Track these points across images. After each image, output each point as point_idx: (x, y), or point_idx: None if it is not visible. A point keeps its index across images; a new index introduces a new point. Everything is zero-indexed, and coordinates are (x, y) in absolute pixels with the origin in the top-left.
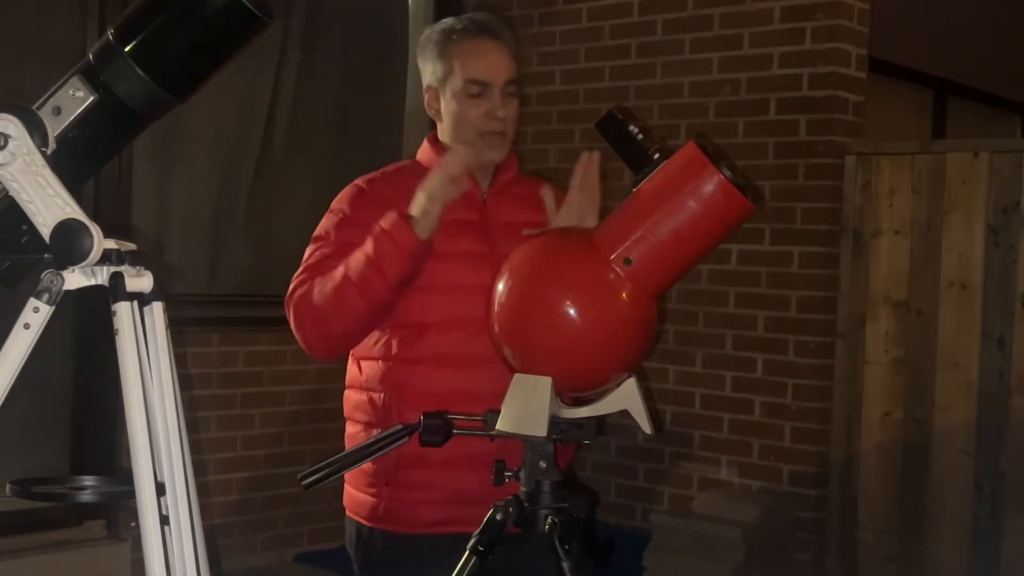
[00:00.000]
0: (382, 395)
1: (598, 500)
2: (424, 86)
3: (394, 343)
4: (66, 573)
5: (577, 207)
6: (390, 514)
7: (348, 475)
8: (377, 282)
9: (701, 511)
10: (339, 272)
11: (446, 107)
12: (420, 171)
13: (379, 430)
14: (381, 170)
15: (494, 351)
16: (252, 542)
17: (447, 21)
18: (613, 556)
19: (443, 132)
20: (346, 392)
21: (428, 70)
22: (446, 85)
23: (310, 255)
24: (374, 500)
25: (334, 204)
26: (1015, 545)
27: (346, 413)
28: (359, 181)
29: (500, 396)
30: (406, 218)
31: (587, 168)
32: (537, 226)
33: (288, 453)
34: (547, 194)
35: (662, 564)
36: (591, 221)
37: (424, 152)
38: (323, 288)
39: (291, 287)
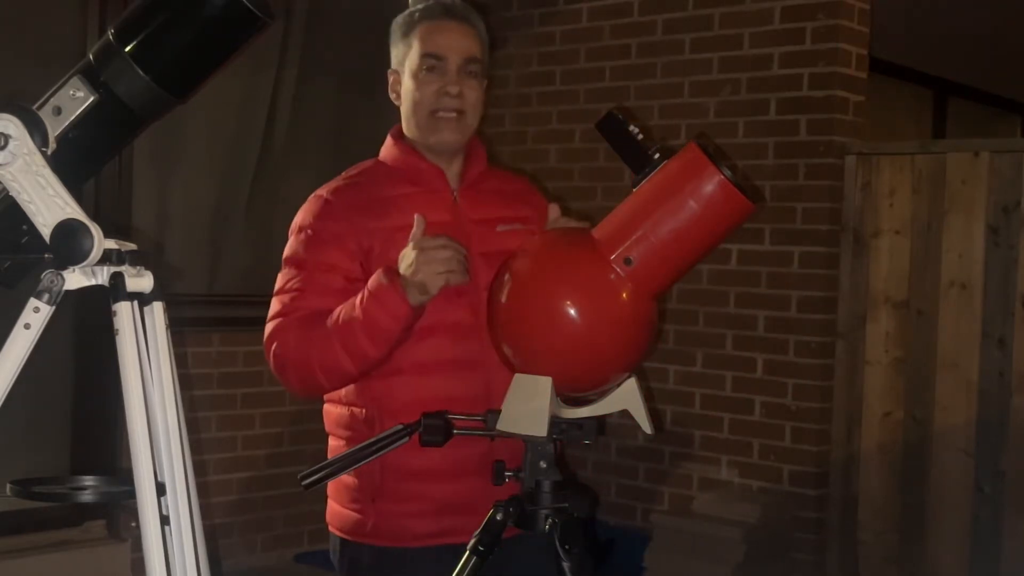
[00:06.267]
0: (363, 410)
1: (598, 500)
2: (389, 71)
3: None
4: (66, 573)
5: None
6: (378, 529)
7: (331, 490)
8: (370, 350)
9: (701, 511)
10: (320, 334)
11: (404, 87)
12: (384, 170)
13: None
14: (343, 175)
15: (495, 350)
16: (252, 542)
17: (416, 6)
18: (613, 556)
19: (403, 118)
20: (325, 406)
21: (393, 54)
22: (404, 65)
23: (282, 286)
24: (359, 516)
25: (299, 220)
26: (1015, 545)
27: (327, 428)
28: (321, 191)
29: (481, 399)
30: (395, 281)
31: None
32: (517, 221)
33: (288, 453)
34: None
35: (662, 564)
36: None
37: (387, 149)
38: (307, 347)
39: (268, 330)
